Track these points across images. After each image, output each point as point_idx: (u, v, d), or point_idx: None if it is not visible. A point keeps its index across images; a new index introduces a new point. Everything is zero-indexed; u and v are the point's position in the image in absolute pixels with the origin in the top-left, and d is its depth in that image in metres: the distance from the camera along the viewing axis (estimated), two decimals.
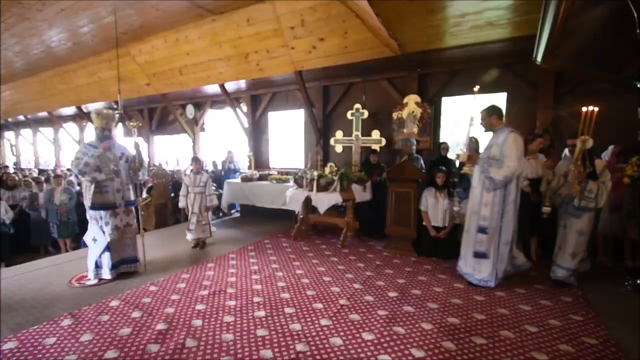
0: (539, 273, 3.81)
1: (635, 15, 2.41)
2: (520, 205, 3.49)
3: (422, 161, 5.48)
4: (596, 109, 3.03)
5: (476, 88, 3.40)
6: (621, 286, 3.41)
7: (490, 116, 3.45)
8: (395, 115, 6.10)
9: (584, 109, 3.08)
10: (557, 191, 3.65)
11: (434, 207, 4.44)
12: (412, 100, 5.91)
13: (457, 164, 4.40)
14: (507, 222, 3.38)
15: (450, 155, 5.46)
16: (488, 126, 3.50)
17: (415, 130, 5.92)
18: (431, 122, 5.86)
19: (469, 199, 3.66)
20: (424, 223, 4.52)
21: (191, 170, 4.89)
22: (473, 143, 4.45)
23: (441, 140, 5.76)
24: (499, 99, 5.63)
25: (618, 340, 2.50)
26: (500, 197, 3.34)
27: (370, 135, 6.27)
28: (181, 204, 4.94)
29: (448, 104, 6.25)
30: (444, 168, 4.49)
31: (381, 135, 6.19)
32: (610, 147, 4.37)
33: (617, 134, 4.38)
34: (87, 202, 3.59)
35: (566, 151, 4.27)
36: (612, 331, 2.63)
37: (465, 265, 3.61)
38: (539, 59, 3.48)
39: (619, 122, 4.49)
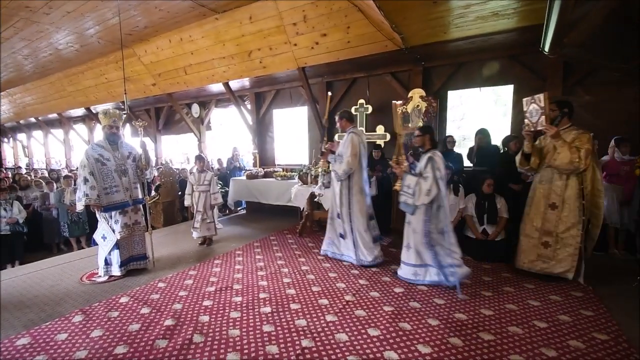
0: None
1: None
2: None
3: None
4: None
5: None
6: (634, 280, 3.34)
7: (341, 120, 3.97)
8: (399, 109, 6.03)
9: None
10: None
11: None
12: (416, 94, 5.84)
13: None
14: (357, 211, 3.81)
15: (456, 149, 5.40)
16: (340, 128, 4.05)
17: (421, 124, 5.85)
18: (436, 116, 5.79)
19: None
20: None
21: (196, 169, 4.94)
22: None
23: (447, 134, 5.69)
24: (506, 91, 5.54)
25: (630, 336, 2.45)
26: (345, 188, 3.84)
27: (374, 131, 6.23)
28: (187, 203, 5.00)
29: (453, 97, 6.16)
30: (449, 164, 4.44)
31: (386, 130, 6.15)
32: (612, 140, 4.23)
33: (628, 125, 4.28)
34: (79, 204, 3.64)
35: None
36: (624, 327, 2.58)
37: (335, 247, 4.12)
38: (546, 49, 3.40)
39: (629, 112, 4.39)
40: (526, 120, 3.34)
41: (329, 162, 4.14)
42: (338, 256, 4.11)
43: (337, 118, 4.02)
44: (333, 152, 4.00)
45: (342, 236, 4.01)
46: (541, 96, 3.16)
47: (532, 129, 3.31)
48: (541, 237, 3.39)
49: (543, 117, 3.16)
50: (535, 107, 3.26)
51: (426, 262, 3.34)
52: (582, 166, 3.14)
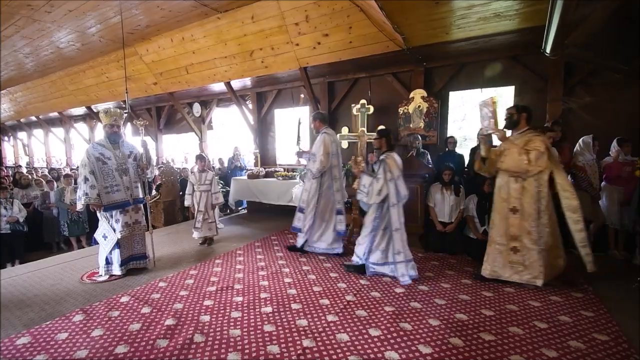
0: None
1: None
2: None
3: (428, 156, 5.42)
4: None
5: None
6: (634, 281, 3.34)
7: (315, 121, 4.20)
8: (401, 110, 6.04)
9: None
10: None
11: (441, 203, 4.41)
12: (418, 95, 5.84)
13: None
14: (323, 205, 4.17)
15: (457, 149, 5.40)
16: (315, 129, 4.23)
17: (422, 125, 5.86)
18: (438, 116, 5.79)
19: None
20: (430, 218, 4.49)
21: (197, 169, 4.93)
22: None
23: (448, 135, 5.69)
24: (507, 92, 5.54)
25: (630, 337, 2.45)
26: (316, 185, 4.14)
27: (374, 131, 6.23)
28: (187, 202, 4.97)
29: (455, 98, 6.17)
30: (450, 165, 4.45)
31: None
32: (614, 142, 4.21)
33: (629, 126, 4.28)
34: (79, 203, 3.65)
35: (580, 142, 4.22)
36: (624, 327, 2.58)
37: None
38: (548, 50, 3.41)
39: (631, 113, 4.39)
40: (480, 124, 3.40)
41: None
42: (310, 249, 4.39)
43: (311, 119, 4.22)
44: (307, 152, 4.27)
45: (299, 230, 4.29)
46: (489, 100, 3.21)
47: (484, 133, 3.39)
48: (509, 242, 3.30)
49: (492, 121, 3.21)
50: (486, 111, 3.31)
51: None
52: (531, 168, 3.10)
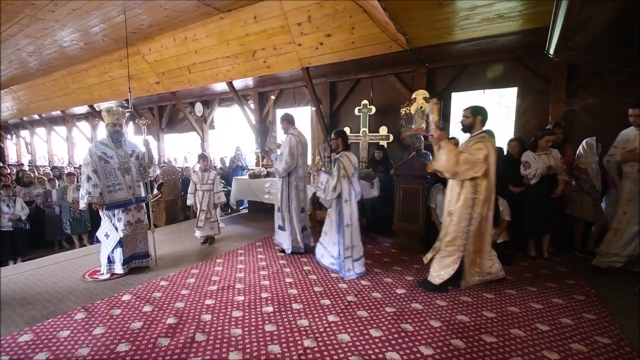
0: (550, 271, 3.75)
1: None
2: (535, 202, 3.75)
3: (430, 157, 5.42)
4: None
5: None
6: (635, 284, 3.32)
7: (283, 122, 4.36)
8: (403, 111, 6.03)
9: None
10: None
11: (442, 204, 4.37)
12: (420, 96, 5.83)
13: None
14: (295, 205, 4.27)
15: None
16: (283, 130, 4.38)
17: (424, 125, 5.85)
18: (440, 117, 5.77)
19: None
20: (432, 219, 4.48)
21: (199, 168, 4.94)
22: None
23: (450, 136, 5.67)
24: (509, 94, 5.53)
25: (632, 340, 2.44)
26: (285, 184, 4.25)
27: (377, 132, 6.23)
28: (189, 202, 5.00)
29: (457, 99, 6.15)
30: None
31: (389, 131, 6.15)
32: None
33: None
34: (81, 202, 3.66)
35: (584, 143, 4.21)
36: (626, 330, 2.57)
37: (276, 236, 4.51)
38: (551, 51, 3.40)
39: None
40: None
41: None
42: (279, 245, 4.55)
43: (279, 121, 4.44)
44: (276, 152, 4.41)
45: (281, 228, 4.38)
46: (432, 101, 3.23)
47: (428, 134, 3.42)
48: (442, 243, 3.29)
49: (433, 122, 3.21)
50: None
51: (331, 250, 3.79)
52: (457, 169, 3.04)
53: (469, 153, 3.06)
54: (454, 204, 3.18)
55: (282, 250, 4.44)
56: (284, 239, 4.39)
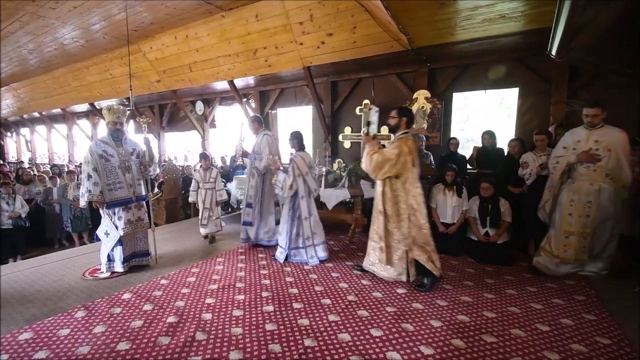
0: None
1: None
2: (536, 203, 3.82)
3: (431, 157, 5.42)
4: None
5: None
6: (636, 285, 3.32)
7: (253, 123, 4.57)
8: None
9: None
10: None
11: (443, 204, 4.40)
12: (421, 96, 5.83)
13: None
14: (268, 197, 4.53)
15: (460, 151, 5.39)
16: (253, 130, 4.58)
17: (425, 125, 5.85)
18: (441, 117, 5.78)
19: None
20: (432, 219, 4.48)
21: (200, 166, 4.99)
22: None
23: (451, 136, 5.68)
24: (511, 94, 5.53)
25: (632, 340, 2.44)
26: (261, 181, 4.49)
27: (379, 131, 6.21)
28: (191, 199, 5.10)
29: (458, 99, 6.16)
30: (453, 166, 4.44)
31: (390, 131, 6.14)
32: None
33: (633, 130, 4.25)
34: (82, 200, 3.67)
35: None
36: (626, 331, 2.57)
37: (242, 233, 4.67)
38: (553, 52, 3.40)
39: (635, 116, 4.37)
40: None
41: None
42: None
43: (248, 122, 4.66)
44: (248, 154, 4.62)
45: (250, 224, 4.56)
46: (366, 105, 3.29)
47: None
48: (379, 241, 3.44)
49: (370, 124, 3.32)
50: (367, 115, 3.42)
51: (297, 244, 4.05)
52: (369, 169, 3.28)
53: (380, 153, 3.25)
54: (381, 202, 3.37)
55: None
56: (251, 233, 4.60)
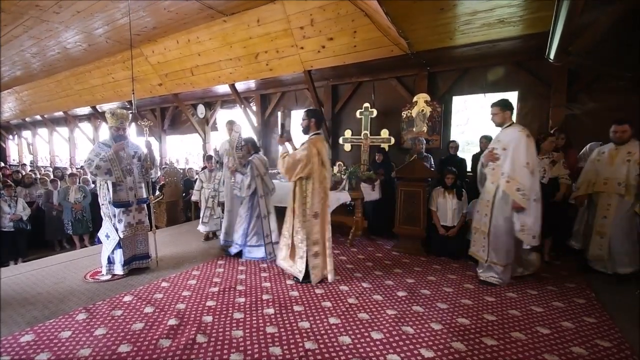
0: (551, 274, 3.75)
1: None
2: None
3: (432, 160, 5.43)
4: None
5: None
6: (636, 288, 3.33)
7: (228, 125, 4.70)
8: (404, 114, 6.06)
9: None
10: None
11: (443, 207, 4.41)
12: (421, 99, 5.86)
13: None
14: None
15: (460, 154, 5.41)
16: (227, 132, 4.69)
17: (425, 129, 5.87)
18: (441, 120, 5.81)
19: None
20: (433, 222, 4.49)
21: (206, 168, 5.21)
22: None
23: (451, 139, 5.70)
24: (510, 98, 5.55)
25: (632, 343, 2.44)
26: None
27: (379, 134, 6.25)
28: (194, 198, 5.36)
29: (458, 102, 6.19)
30: (453, 169, 4.45)
31: (390, 134, 6.17)
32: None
33: (634, 131, 4.26)
34: (101, 199, 3.68)
35: (587, 147, 4.22)
36: (627, 334, 2.57)
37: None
38: (551, 56, 3.43)
39: (634, 120, 4.38)
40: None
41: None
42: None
43: (225, 124, 4.80)
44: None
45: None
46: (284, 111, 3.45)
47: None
48: (290, 238, 3.59)
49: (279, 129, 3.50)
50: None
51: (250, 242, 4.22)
52: (282, 171, 3.43)
53: (291, 156, 3.38)
54: (292, 201, 3.50)
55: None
56: (236, 236, 4.60)
